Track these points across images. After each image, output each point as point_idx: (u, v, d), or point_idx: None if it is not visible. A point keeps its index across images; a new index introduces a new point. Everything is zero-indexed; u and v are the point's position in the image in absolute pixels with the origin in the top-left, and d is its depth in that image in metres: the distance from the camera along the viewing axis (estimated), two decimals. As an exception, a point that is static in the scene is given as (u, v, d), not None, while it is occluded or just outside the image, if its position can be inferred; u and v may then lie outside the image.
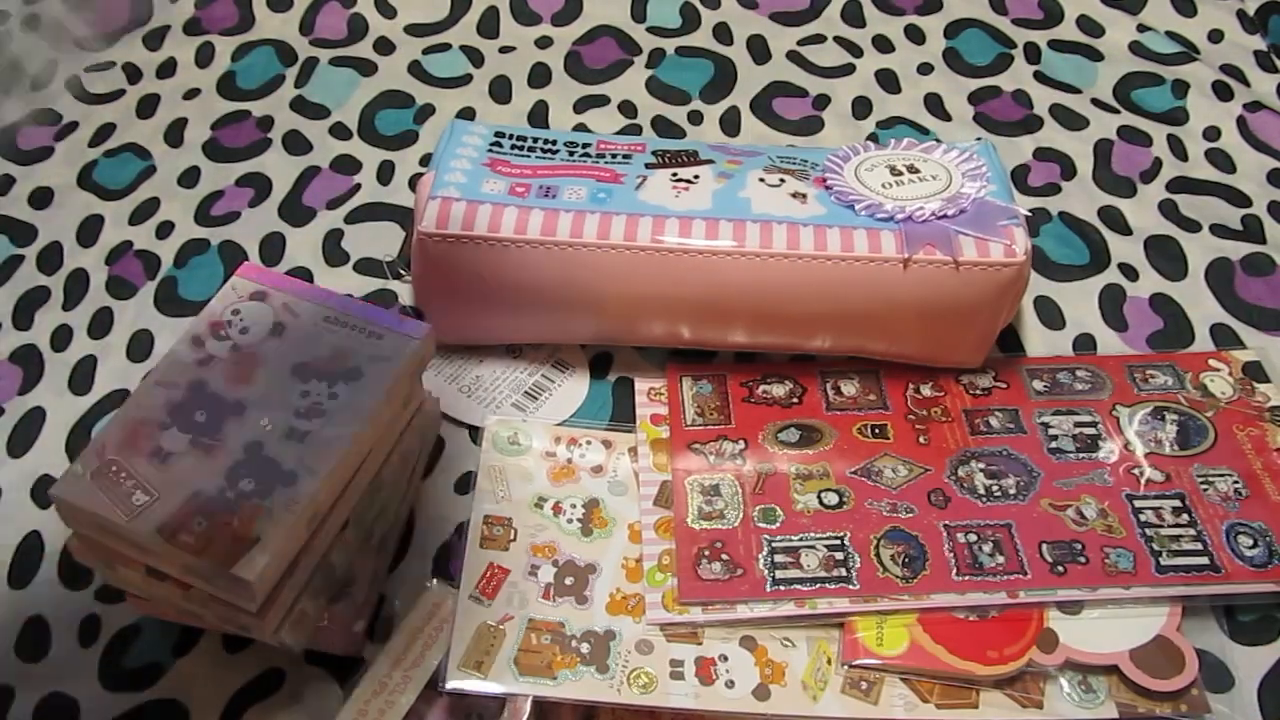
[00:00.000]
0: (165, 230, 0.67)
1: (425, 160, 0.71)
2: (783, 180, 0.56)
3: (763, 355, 0.60)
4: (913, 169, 0.57)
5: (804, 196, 0.55)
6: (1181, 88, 0.75)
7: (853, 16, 0.80)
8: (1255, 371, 0.58)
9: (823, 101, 0.74)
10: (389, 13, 0.80)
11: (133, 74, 0.77)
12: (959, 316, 0.55)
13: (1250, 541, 0.50)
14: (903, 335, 0.56)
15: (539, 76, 0.76)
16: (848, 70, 0.76)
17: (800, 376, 0.58)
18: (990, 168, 0.57)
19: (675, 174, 0.57)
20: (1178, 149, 0.71)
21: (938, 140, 0.67)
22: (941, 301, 0.54)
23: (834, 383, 0.58)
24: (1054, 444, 0.55)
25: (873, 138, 0.71)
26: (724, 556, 0.50)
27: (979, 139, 0.60)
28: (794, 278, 0.53)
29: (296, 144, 0.72)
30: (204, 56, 0.78)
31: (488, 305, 0.56)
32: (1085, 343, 0.61)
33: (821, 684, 0.46)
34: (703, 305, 0.55)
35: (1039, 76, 0.76)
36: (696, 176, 0.57)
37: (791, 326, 0.56)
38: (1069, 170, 0.70)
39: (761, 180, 0.56)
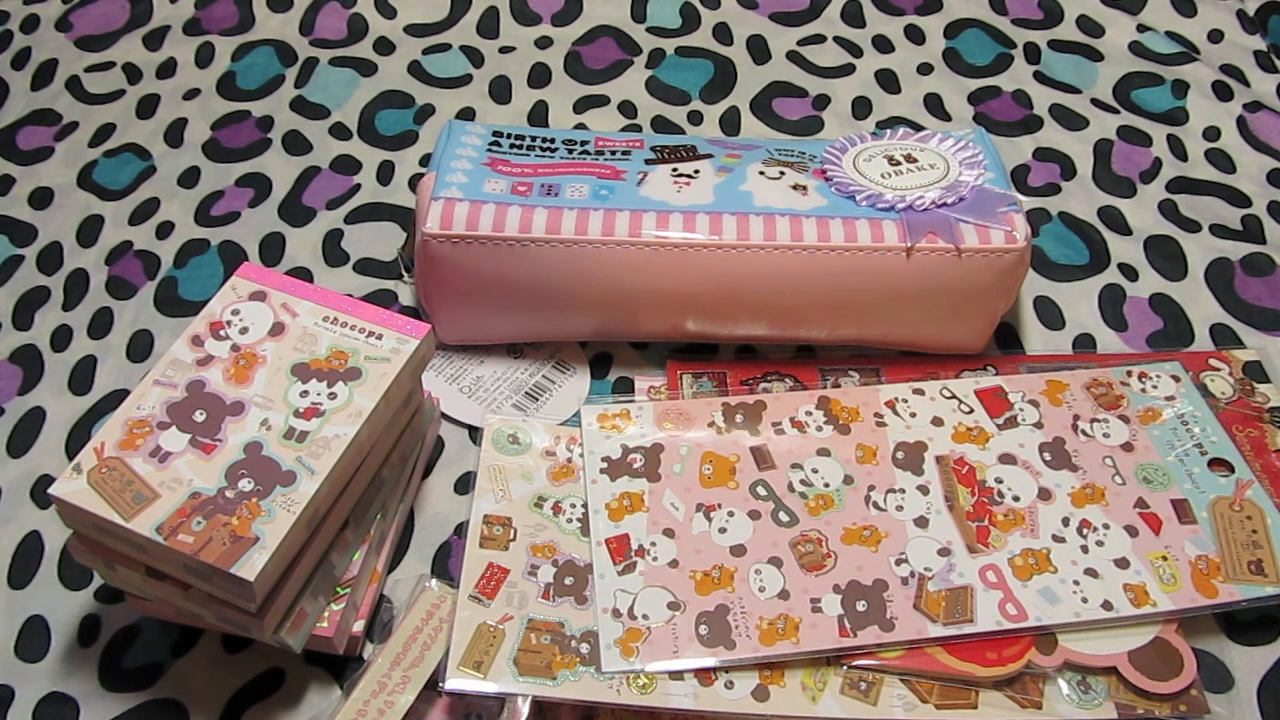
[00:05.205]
0: (165, 230, 0.67)
1: (425, 160, 0.71)
2: (782, 173, 0.57)
3: (763, 352, 0.60)
4: (910, 158, 0.57)
5: (804, 188, 0.56)
6: (1181, 88, 0.75)
7: (853, 16, 0.80)
8: (1255, 372, 0.58)
9: (823, 101, 0.74)
10: (389, 13, 0.80)
11: (133, 74, 0.77)
12: (961, 303, 0.55)
13: None
14: (906, 323, 0.56)
15: (539, 76, 0.76)
16: (848, 70, 0.76)
17: (801, 374, 0.58)
18: (986, 155, 0.57)
19: (675, 169, 0.57)
20: (1178, 149, 0.71)
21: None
22: (944, 289, 0.54)
23: (835, 380, 0.58)
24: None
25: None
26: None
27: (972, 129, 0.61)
28: (798, 269, 0.54)
29: (296, 144, 0.72)
30: (204, 56, 0.78)
31: (492, 305, 0.57)
32: (1085, 343, 0.61)
33: (820, 684, 0.46)
34: (708, 299, 0.55)
35: (1039, 76, 0.76)
36: (697, 171, 0.57)
37: (796, 318, 0.56)
38: (1069, 170, 0.70)
39: (761, 173, 0.57)
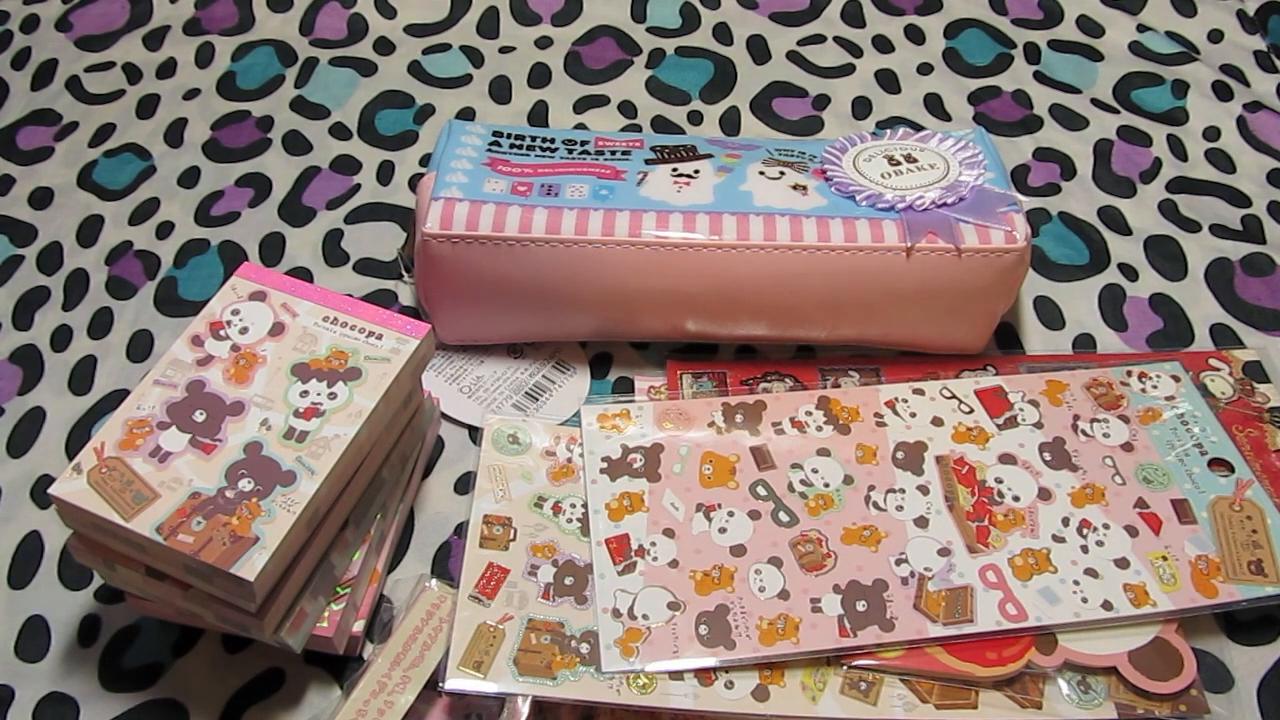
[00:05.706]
0: (165, 230, 0.67)
1: (425, 160, 0.71)
2: (782, 173, 0.57)
3: (763, 352, 0.60)
4: (910, 158, 0.57)
5: (804, 188, 0.56)
6: (1181, 88, 0.75)
7: (853, 16, 0.80)
8: (1255, 372, 0.58)
9: (823, 101, 0.74)
10: (389, 13, 0.80)
11: (133, 74, 0.77)
12: (961, 303, 0.55)
13: None
14: (906, 323, 0.56)
15: (539, 76, 0.76)
16: (848, 70, 0.76)
17: (801, 374, 0.58)
18: (987, 155, 0.58)
19: (675, 169, 0.57)
20: (1177, 149, 0.71)
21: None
22: (944, 289, 0.54)
23: (835, 380, 0.58)
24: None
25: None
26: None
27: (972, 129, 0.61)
28: (798, 269, 0.54)
29: (296, 144, 0.72)
30: (204, 56, 0.78)
31: (492, 305, 0.57)
32: (1085, 343, 0.61)
33: (820, 684, 0.46)
34: (708, 299, 0.55)
35: (1039, 76, 0.76)
36: (697, 171, 0.57)
37: (796, 318, 0.56)
38: (1069, 170, 0.70)
39: (761, 173, 0.57)
